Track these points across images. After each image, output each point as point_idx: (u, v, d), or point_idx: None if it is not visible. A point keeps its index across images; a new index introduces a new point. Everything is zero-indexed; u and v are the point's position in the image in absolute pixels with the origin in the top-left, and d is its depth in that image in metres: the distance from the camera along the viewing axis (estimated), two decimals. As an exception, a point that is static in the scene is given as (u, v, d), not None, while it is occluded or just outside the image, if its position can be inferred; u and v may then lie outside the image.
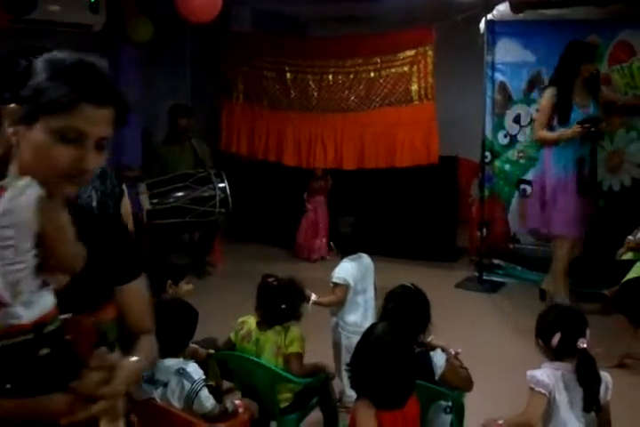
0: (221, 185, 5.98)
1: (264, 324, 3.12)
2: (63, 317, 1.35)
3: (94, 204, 2.41)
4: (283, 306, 3.07)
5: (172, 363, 2.66)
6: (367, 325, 3.63)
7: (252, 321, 3.16)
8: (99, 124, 1.31)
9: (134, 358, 1.44)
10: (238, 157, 6.79)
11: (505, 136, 6.01)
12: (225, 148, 6.75)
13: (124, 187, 2.69)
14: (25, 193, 1.19)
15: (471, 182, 6.52)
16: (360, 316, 3.70)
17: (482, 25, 5.89)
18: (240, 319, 3.26)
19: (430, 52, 5.82)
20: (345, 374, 3.63)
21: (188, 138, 6.33)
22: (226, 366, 3.22)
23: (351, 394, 3.61)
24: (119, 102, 1.34)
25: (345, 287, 3.63)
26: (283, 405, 3.08)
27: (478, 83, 5.96)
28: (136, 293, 1.59)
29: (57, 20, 5.58)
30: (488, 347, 4.27)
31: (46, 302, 1.31)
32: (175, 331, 2.69)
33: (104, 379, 1.28)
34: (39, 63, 1.31)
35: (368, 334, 2.43)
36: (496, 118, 6.02)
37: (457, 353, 2.81)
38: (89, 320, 1.42)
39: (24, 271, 1.23)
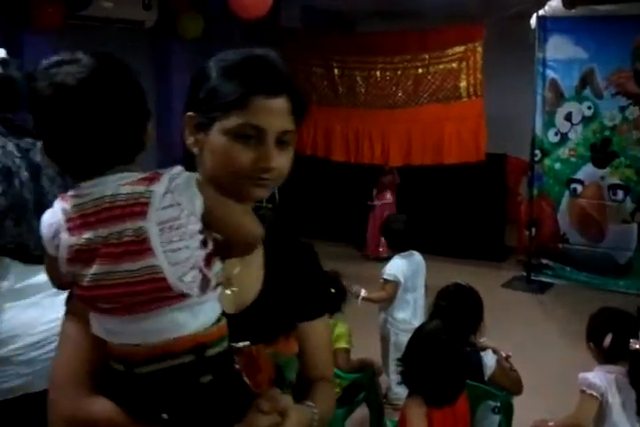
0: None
1: None
2: (240, 344, 1.17)
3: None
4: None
5: None
6: (416, 322, 3.65)
7: None
8: (274, 117, 1.20)
9: (309, 408, 1.25)
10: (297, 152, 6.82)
11: (556, 134, 5.93)
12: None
13: None
14: (181, 176, 1.09)
15: (520, 181, 6.45)
16: (409, 313, 3.70)
17: (533, 21, 5.82)
18: None
19: (479, 49, 5.77)
20: (392, 371, 3.65)
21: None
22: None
23: (398, 391, 3.63)
24: (292, 90, 1.22)
25: (395, 284, 3.63)
26: (330, 400, 3.09)
27: (528, 80, 5.89)
28: (320, 333, 1.40)
29: (110, 16, 5.68)
30: (535, 348, 4.22)
31: (213, 311, 1.13)
32: None
33: (272, 425, 1.12)
34: (211, 65, 1.24)
35: (420, 331, 2.43)
36: (546, 116, 5.94)
37: (508, 356, 2.79)
38: (267, 352, 1.21)
39: (189, 261, 1.07)
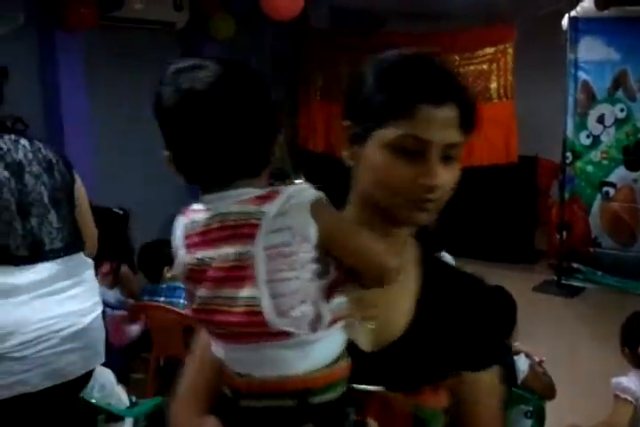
0: (298, 181, 6.02)
1: None
2: (373, 388, 1.02)
3: (46, 200, 2.09)
4: None
5: None
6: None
7: None
8: (440, 128, 1.05)
9: None
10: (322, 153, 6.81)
11: (587, 136, 5.86)
12: (302, 144, 6.81)
13: (75, 174, 2.28)
14: (299, 195, 0.97)
15: (551, 183, 6.39)
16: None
17: (564, 22, 5.76)
18: None
19: (510, 50, 5.73)
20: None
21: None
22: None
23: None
24: (461, 99, 1.07)
25: None
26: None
27: (560, 81, 5.83)
28: (486, 388, 1.14)
29: (142, 17, 5.73)
30: (566, 352, 4.18)
31: (328, 351, 0.99)
32: None
33: None
34: (368, 68, 1.12)
35: None
36: (578, 118, 5.87)
37: (541, 361, 2.77)
38: (406, 402, 1.04)
39: (298, 294, 0.94)
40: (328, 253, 0.97)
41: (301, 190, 0.98)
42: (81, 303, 2.16)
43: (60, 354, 2.08)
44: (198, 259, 0.99)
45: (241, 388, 0.99)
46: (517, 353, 2.76)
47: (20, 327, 2.01)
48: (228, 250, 0.96)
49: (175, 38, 6.21)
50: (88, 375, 2.26)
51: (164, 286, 3.85)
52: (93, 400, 2.67)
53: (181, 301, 3.78)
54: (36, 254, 2.06)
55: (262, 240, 0.94)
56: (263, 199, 0.97)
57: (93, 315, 2.19)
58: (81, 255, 2.21)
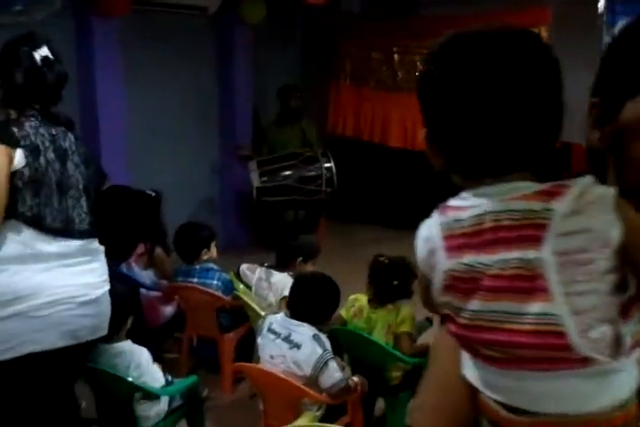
0: (327, 165, 6.07)
1: (375, 301, 3.17)
2: None
3: (81, 187, 2.40)
4: (394, 282, 3.11)
5: (309, 328, 2.83)
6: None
7: (363, 299, 3.22)
8: None
9: None
10: (351, 138, 6.81)
11: (621, 122, 5.77)
12: (332, 129, 6.81)
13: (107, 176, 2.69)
14: (593, 191, 0.81)
15: (584, 169, 6.31)
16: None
17: (601, 4, 5.66)
18: (351, 297, 3.32)
19: (545, 33, 5.64)
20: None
21: (298, 118, 6.42)
22: (336, 341, 3.30)
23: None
24: None
25: None
26: (392, 383, 3.12)
27: (595, 65, 5.72)
28: None
29: (175, 2, 5.76)
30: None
31: (628, 382, 0.83)
32: (320, 302, 2.91)
33: None
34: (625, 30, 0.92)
35: None
36: (613, 102, 5.78)
37: None
38: None
39: (597, 311, 0.79)
40: (627, 261, 0.79)
41: (593, 185, 0.81)
42: (95, 277, 2.42)
43: (75, 317, 2.33)
44: (465, 264, 0.84)
45: (510, 425, 0.84)
46: None
47: (40, 291, 2.25)
48: (508, 255, 0.80)
49: (207, 23, 6.25)
50: (92, 343, 2.49)
51: (197, 267, 3.91)
52: (130, 379, 2.74)
53: (214, 282, 3.84)
54: (66, 230, 2.33)
55: (551, 244, 0.79)
56: (548, 195, 0.81)
57: (103, 290, 2.45)
58: (97, 241, 2.50)
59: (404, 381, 3.14)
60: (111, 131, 5.29)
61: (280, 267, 3.75)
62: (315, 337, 2.78)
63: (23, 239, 2.23)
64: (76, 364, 2.47)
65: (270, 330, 2.88)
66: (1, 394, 2.35)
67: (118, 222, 4.05)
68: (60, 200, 2.30)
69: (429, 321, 3.27)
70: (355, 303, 3.23)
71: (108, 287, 2.47)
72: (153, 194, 4.23)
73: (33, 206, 2.23)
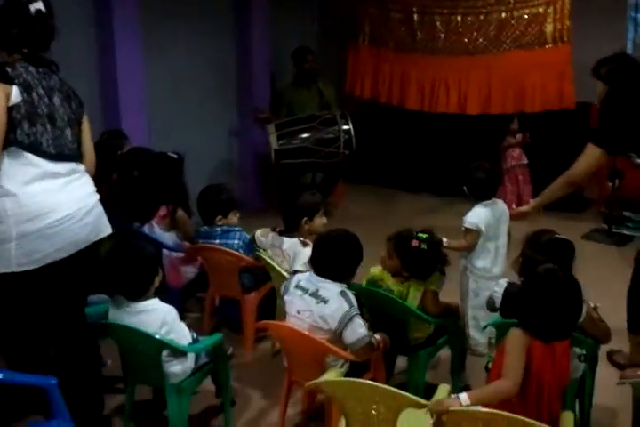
0: (346, 127, 6.04)
1: (402, 276, 3.15)
2: None
3: (65, 119, 2.74)
4: (432, 271, 3.12)
5: (337, 285, 2.86)
6: (496, 270, 3.66)
7: (385, 276, 3.18)
8: None
9: None
10: (369, 100, 6.74)
11: (644, 82, 5.68)
12: (349, 90, 6.75)
13: (84, 110, 2.93)
14: None
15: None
16: (489, 261, 3.70)
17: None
18: (371, 273, 3.26)
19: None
20: (470, 317, 3.68)
21: (314, 80, 6.39)
22: (358, 300, 3.34)
23: (475, 337, 3.67)
24: None
25: (476, 233, 3.62)
26: (413, 343, 3.16)
27: (619, 25, 5.64)
28: None
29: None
30: (615, 300, 4.17)
31: None
32: (343, 259, 2.91)
33: None
34: None
35: (539, 270, 2.44)
36: (637, 63, 5.69)
37: (596, 307, 2.79)
38: None
39: None
40: None
41: None
42: (88, 189, 2.83)
43: (82, 226, 2.73)
44: None
45: None
46: None
47: (58, 207, 2.65)
48: None
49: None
50: (98, 243, 2.89)
51: (218, 229, 3.93)
52: (157, 336, 2.79)
53: (235, 241, 3.87)
54: (60, 154, 2.69)
55: None
56: None
57: (96, 197, 2.86)
58: (82, 164, 2.85)
59: (425, 341, 3.18)
60: (131, 96, 5.27)
61: (289, 231, 3.71)
62: (342, 293, 2.82)
63: (30, 162, 2.59)
64: (88, 264, 2.86)
65: (298, 286, 2.92)
66: (22, 300, 2.81)
67: (141, 184, 4.08)
68: (52, 130, 2.66)
69: (442, 272, 3.23)
70: (380, 283, 3.18)
71: (97, 196, 2.87)
72: (175, 156, 4.25)
73: (30, 135, 2.58)
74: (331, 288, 2.84)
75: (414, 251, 3.07)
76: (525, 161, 6.38)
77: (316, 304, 2.82)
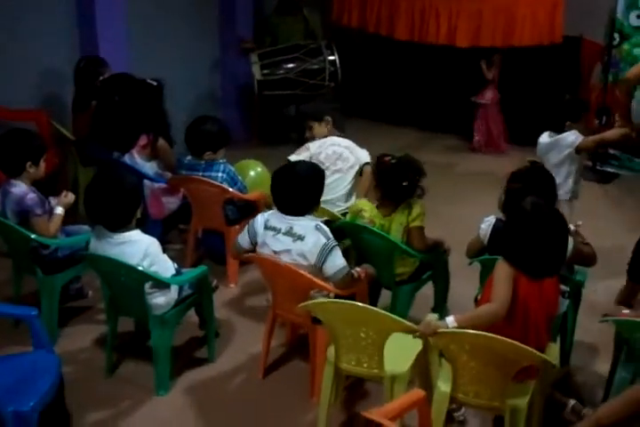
0: (331, 58, 5.88)
1: (385, 206, 3.10)
2: None
3: None
4: (404, 183, 3.04)
5: (309, 219, 2.81)
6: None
7: (369, 207, 3.13)
8: None
9: None
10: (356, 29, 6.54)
11: (638, 17, 5.56)
12: (336, 19, 6.52)
13: None
14: None
15: (594, 66, 6.14)
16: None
17: None
18: (354, 205, 3.25)
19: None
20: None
21: (299, 8, 6.18)
22: (342, 235, 3.32)
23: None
24: None
25: None
26: (399, 278, 3.15)
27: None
28: None
29: None
30: (599, 236, 4.18)
31: None
32: (306, 192, 2.85)
33: None
34: None
35: (522, 206, 2.39)
36: (630, -5, 5.54)
37: (577, 225, 2.76)
38: None
39: None
40: None
41: None
42: None
43: None
44: None
45: None
46: None
47: None
48: None
49: None
50: None
51: (202, 162, 3.82)
52: (140, 268, 2.75)
53: (219, 174, 3.78)
54: None
55: None
56: None
57: None
58: None
59: (410, 276, 3.17)
60: (111, 23, 5.07)
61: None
62: (317, 227, 2.77)
63: None
64: None
65: (268, 227, 2.84)
66: None
67: (120, 112, 3.95)
68: None
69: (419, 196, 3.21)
70: (363, 214, 3.12)
71: None
72: (154, 83, 4.10)
73: None
74: (304, 224, 2.79)
75: (385, 166, 3.07)
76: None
77: (293, 242, 2.77)
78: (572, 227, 2.72)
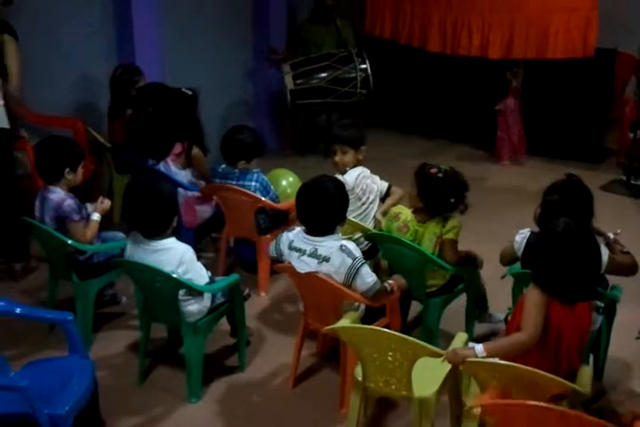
0: (363, 66, 5.90)
1: (423, 214, 3.09)
2: None
3: None
4: (452, 200, 3.03)
5: (334, 240, 2.78)
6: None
7: (407, 212, 3.14)
8: None
9: None
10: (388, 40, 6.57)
11: (674, 29, 5.52)
12: (369, 30, 6.56)
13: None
14: None
15: (628, 79, 6.09)
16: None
17: None
18: (393, 209, 3.27)
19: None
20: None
21: (332, 17, 6.20)
22: (374, 245, 3.33)
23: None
24: None
25: None
26: (429, 290, 3.15)
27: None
28: None
29: None
30: (634, 252, 4.15)
31: None
32: (331, 210, 2.80)
33: None
34: None
35: (553, 229, 2.35)
36: (667, 9, 5.50)
37: (617, 234, 2.73)
38: None
39: None
40: None
41: None
42: None
43: None
44: None
45: None
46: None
47: None
48: None
49: None
50: None
51: (236, 170, 3.85)
52: (174, 275, 2.78)
53: (252, 183, 3.81)
54: None
55: None
56: None
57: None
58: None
59: (441, 289, 3.16)
60: (145, 31, 5.14)
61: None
62: (342, 248, 2.71)
63: None
64: None
65: (292, 248, 2.83)
66: None
67: (155, 120, 4.00)
68: None
69: (461, 212, 3.13)
70: (400, 217, 3.14)
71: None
72: (189, 92, 4.15)
73: None
74: (329, 246, 2.75)
75: (431, 178, 3.03)
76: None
77: (318, 264, 2.75)
78: (611, 235, 2.69)
